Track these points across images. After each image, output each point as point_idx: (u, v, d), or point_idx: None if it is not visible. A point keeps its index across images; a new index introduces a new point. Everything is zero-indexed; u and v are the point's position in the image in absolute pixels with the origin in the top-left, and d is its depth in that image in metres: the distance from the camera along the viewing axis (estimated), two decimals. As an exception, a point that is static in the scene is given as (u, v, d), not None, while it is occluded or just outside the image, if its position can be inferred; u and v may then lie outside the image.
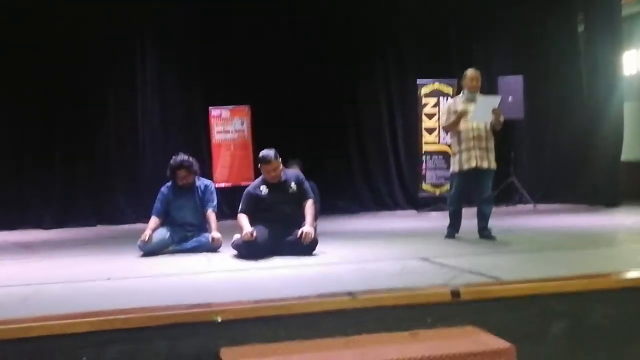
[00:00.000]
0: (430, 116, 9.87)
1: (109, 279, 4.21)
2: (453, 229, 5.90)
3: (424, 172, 9.89)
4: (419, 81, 9.91)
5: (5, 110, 9.03)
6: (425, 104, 9.90)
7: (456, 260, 4.33)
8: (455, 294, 3.14)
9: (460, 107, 5.77)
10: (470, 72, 5.84)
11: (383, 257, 4.85)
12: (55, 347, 2.78)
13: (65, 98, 9.30)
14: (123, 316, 2.91)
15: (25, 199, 9.15)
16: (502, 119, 5.75)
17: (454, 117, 5.75)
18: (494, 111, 5.61)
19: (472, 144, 5.65)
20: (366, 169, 10.48)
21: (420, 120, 9.91)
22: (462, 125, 5.73)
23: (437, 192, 9.84)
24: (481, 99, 5.74)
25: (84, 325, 2.83)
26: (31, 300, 3.50)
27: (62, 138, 9.32)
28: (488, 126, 5.73)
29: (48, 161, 9.27)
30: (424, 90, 9.90)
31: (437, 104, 9.84)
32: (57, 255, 5.92)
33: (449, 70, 9.91)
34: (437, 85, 9.88)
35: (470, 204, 6.13)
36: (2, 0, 8.73)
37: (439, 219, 8.24)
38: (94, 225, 9.09)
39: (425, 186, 9.88)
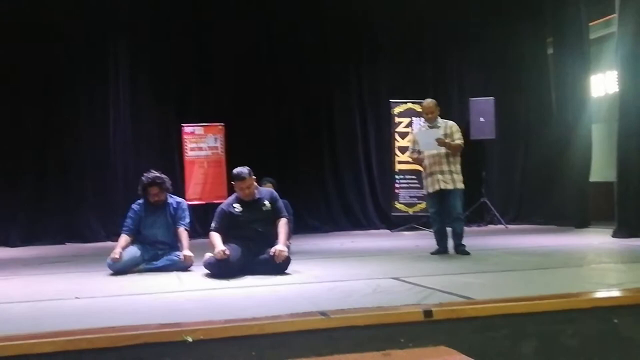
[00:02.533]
0: (402, 135, 9.96)
1: (77, 298, 4.12)
2: (440, 247, 6.18)
3: (397, 191, 9.94)
4: (392, 101, 10.01)
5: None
6: (399, 123, 10.00)
7: (429, 280, 4.33)
8: (428, 313, 3.14)
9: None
10: (425, 103, 6.34)
11: (356, 276, 4.83)
12: (19, 368, 2.70)
13: (34, 113, 9.18)
14: (90, 336, 2.84)
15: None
16: (458, 141, 6.10)
17: (415, 156, 6.30)
18: (437, 141, 5.99)
19: (434, 168, 6.10)
20: (340, 188, 10.51)
21: (393, 139, 9.99)
22: (425, 152, 6.15)
23: (410, 211, 9.90)
24: (420, 133, 6.34)
25: (48, 346, 2.75)
26: (-5, 320, 3.41)
27: (29, 154, 9.19)
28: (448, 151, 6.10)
29: (15, 177, 9.10)
30: (396, 110, 10.00)
31: (410, 124, 9.94)
32: (23, 273, 5.79)
33: (421, 91, 10.03)
34: (409, 105, 9.98)
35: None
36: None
37: (412, 239, 8.31)
38: (63, 243, 8.93)
39: (398, 205, 9.93)
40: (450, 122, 6.25)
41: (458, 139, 6.10)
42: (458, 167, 6.12)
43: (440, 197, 6.08)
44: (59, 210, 9.19)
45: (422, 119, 9.72)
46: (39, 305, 3.92)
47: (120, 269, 5.36)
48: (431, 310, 3.16)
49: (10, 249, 8.51)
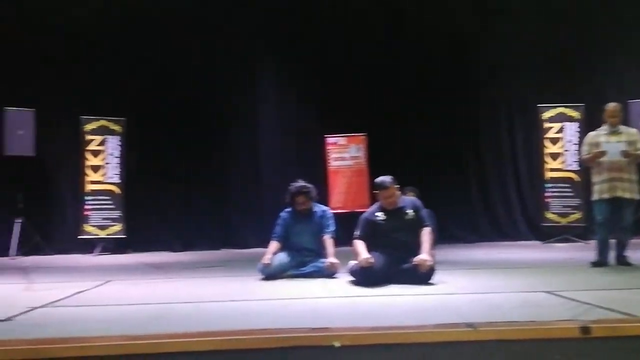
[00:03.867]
0: (554, 141, 9.44)
1: (232, 300, 4.38)
2: (602, 258, 5.87)
3: (547, 200, 9.43)
4: (540, 105, 9.54)
5: (137, 144, 9.77)
6: (548, 129, 9.49)
7: (585, 295, 4.07)
8: (585, 330, 2.95)
9: (602, 139, 5.91)
10: (610, 107, 6.00)
11: (504, 288, 4.66)
12: (182, 363, 2.93)
13: (192, 129, 9.88)
14: (245, 337, 3.02)
15: (157, 225, 9.81)
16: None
17: (595, 152, 5.87)
18: (623, 153, 5.75)
19: (613, 174, 5.80)
20: (485, 197, 10.20)
21: (542, 146, 9.50)
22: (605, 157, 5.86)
23: (564, 221, 9.33)
24: (607, 147, 5.84)
25: (208, 344, 2.96)
26: (162, 318, 3.73)
27: (188, 167, 9.93)
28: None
29: (177, 190, 9.89)
30: (546, 115, 9.51)
31: (561, 129, 9.40)
32: (185, 276, 6.26)
33: (574, 94, 9.46)
34: (561, 109, 9.45)
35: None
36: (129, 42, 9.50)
37: (565, 251, 7.84)
38: (219, 249, 9.54)
39: (549, 215, 9.41)
40: (633, 130, 6.05)
41: (634, 155, 5.86)
42: (634, 176, 5.86)
43: (614, 204, 5.82)
44: (215, 219, 9.87)
45: (576, 125, 9.24)
46: (199, 306, 4.22)
47: (270, 274, 5.62)
48: (589, 327, 2.97)
49: (173, 253, 9.26)
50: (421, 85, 9.87)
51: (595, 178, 5.96)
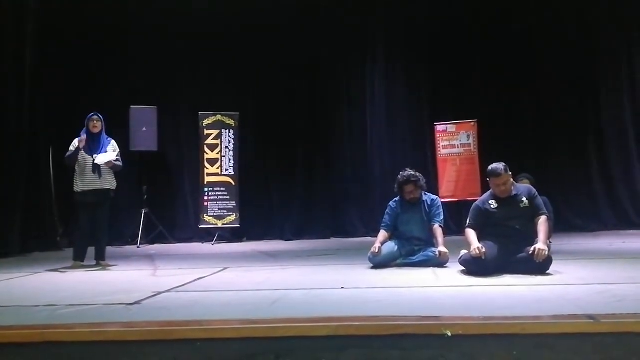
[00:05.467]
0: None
1: (342, 287, 4.46)
2: None
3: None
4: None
5: (249, 137, 10.10)
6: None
7: None
8: None
9: None
10: None
11: (629, 280, 4.40)
12: (297, 347, 3.03)
13: (301, 120, 10.11)
14: (358, 323, 3.08)
15: (269, 215, 10.14)
16: None
17: None
18: None
19: None
20: (608, 183, 9.63)
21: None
22: None
23: (697, 209, 8.60)
24: None
25: (323, 330, 3.05)
26: (278, 303, 3.87)
27: (299, 157, 10.17)
28: None
29: (289, 181, 10.16)
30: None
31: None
32: (297, 264, 6.43)
33: None
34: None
35: None
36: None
37: (700, 240, 7.23)
38: (328, 238, 9.71)
39: (681, 202, 8.72)
40: None
41: None
42: None
43: None
44: (325, 208, 10.05)
45: None
46: (312, 292, 4.34)
47: (380, 263, 5.65)
48: None
49: (284, 242, 9.55)
50: (534, 70, 9.46)
51: None
